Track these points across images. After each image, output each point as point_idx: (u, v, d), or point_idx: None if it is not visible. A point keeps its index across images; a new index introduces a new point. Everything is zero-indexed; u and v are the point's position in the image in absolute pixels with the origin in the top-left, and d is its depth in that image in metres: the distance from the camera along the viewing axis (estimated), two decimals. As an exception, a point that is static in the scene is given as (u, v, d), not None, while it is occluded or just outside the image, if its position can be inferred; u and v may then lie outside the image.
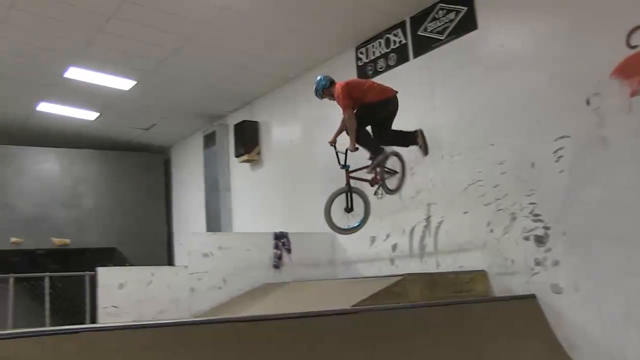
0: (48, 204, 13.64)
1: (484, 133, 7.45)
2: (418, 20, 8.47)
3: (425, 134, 7.49)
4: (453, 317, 6.01)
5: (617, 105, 6.00)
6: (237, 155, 12.06)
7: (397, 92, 7.22)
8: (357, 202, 7.21)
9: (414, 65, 8.52)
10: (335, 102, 7.20)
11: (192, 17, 8.46)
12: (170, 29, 8.77)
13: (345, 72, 9.54)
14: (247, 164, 12.07)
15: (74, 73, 10.38)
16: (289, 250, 9.15)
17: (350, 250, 9.27)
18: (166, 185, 15.58)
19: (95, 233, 13.95)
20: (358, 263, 9.10)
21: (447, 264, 7.67)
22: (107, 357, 3.26)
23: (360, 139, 6.97)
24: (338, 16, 8.59)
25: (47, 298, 10.26)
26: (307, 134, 10.64)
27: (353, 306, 5.96)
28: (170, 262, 14.50)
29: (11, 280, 10.29)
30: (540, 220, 6.68)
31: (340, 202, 7.24)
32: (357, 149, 6.95)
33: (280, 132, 11.43)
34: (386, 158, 7.20)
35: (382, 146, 7.23)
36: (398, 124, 7.96)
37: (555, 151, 6.52)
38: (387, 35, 8.96)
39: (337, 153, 7.21)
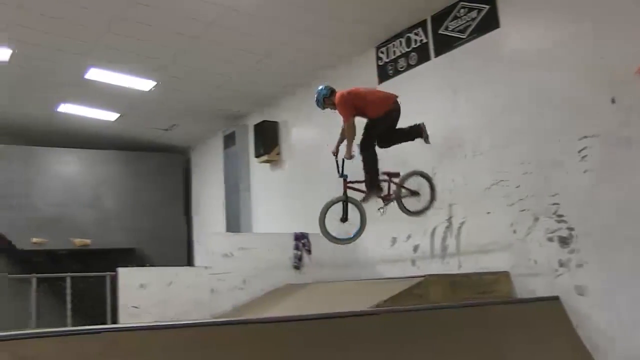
0: (69, 205, 13.71)
1: (506, 132, 7.36)
2: (439, 19, 8.40)
3: (447, 134, 7.42)
4: (475, 319, 5.94)
5: (643, 103, 5.91)
6: (257, 156, 12.05)
7: (397, 96, 7.00)
8: (354, 212, 7.01)
9: (435, 64, 8.45)
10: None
11: (210, 18, 8.46)
12: (188, 30, 8.78)
13: (365, 72, 9.52)
14: (267, 164, 12.05)
15: (95, 74, 10.43)
16: (309, 251, 9.12)
17: (371, 251, 9.21)
18: (186, 186, 15.62)
19: (115, 233, 13.99)
20: (379, 264, 9.04)
21: (469, 265, 7.58)
22: (129, 358, 3.24)
23: (368, 163, 6.84)
24: (358, 15, 8.54)
25: (68, 298, 10.32)
26: (326, 134, 10.54)
27: (374, 307, 5.91)
28: (190, 262, 14.54)
29: (34, 280, 10.37)
30: (564, 221, 6.58)
31: (337, 211, 7.04)
32: (353, 156, 6.76)
33: (300, 132, 11.40)
34: (376, 197, 6.95)
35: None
36: (420, 120, 7.93)
37: (580, 151, 6.42)
38: (408, 35, 8.89)
39: (337, 162, 6.98)
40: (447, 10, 8.26)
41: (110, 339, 3.32)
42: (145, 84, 10.97)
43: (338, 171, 6.91)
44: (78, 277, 10.73)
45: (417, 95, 8.65)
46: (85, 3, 7.97)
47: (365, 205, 6.93)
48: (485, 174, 7.55)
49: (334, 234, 6.84)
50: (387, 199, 7.00)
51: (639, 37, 5.98)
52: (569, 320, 6.33)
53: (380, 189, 6.94)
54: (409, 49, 8.87)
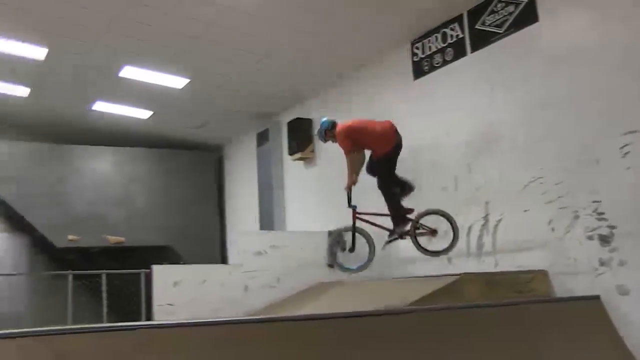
0: (103, 203, 13.87)
1: (545, 128, 7.20)
2: (476, 13, 8.26)
3: (483, 130, 7.27)
4: (512, 318, 5.82)
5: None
6: (291, 153, 12.02)
7: (393, 124, 6.92)
8: (361, 242, 6.85)
9: (472, 59, 8.31)
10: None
11: (243, 12, 8.42)
12: (222, 26, 8.77)
13: (400, 68, 9.43)
14: (301, 162, 12.01)
15: (129, 72, 10.51)
16: (343, 249, 9.03)
17: (405, 248, 9.08)
18: (219, 184, 15.67)
19: (148, 231, 14.10)
20: (413, 262, 8.92)
21: (506, 264, 7.44)
22: (163, 354, 3.22)
23: (392, 201, 6.79)
24: (393, 11, 8.44)
25: (104, 295, 10.43)
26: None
27: (408, 306, 5.83)
28: (223, 260, 14.57)
29: (70, 277, 10.50)
30: (605, 219, 6.42)
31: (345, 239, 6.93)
32: (354, 183, 6.79)
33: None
34: (405, 232, 6.83)
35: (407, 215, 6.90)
36: (455, 119, 7.82)
37: (622, 147, 6.25)
38: (444, 30, 8.77)
39: (347, 193, 6.92)
40: (484, 4, 8.12)
41: (145, 336, 3.31)
42: (178, 82, 11.02)
43: (348, 201, 6.87)
44: (113, 275, 10.84)
45: (453, 91, 8.56)
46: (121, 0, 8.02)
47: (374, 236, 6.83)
48: (523, 171, 7.40)
49: (340, 261, 6.76)
50: (401, 235, 6.86)
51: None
52: (609, 320, 6.17)
53: (406, 222, 6.80)
54: (444, 45, 8.75)
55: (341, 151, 10.83)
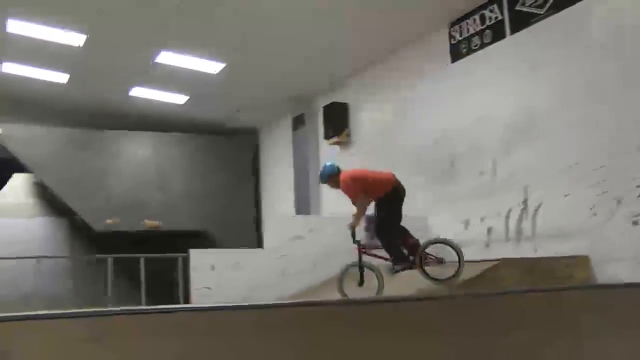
0: (140, 187, 14.03)
1: (588, 111, 7.03)
2: (515, -6, 8.09)
3: (523, 113, 7.15)
4: (552, 305, 5.71)
5: None
6: (327, 137, 11.99)
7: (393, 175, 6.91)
8: (370, 276, 6.70)
9: (511, 42, 8.15)
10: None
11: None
12: (256, 10, 8.74)
13: (437, 51, 9.30)
14: (337, 146, 11.96)
15: (165, 57, 10.57)
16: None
17: (443, 234, 9.00)
18: (255, 168, 15.70)
19: (185, 216, 14.22)
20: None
21: (545, 249, 7.31)
22: (201, 336, 3.24)
23: (388, 245, 6.69)
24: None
25: (142, 278, 10.55)
26: (397, 114, 10.42)
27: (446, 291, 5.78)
28: (259, 244, 14.59)
29: (109, 261, 10.64)
30: (649, 204, 6.26)
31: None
32: (358, 224, 6.79)
33: (370, 113, 11.25)
34: (407, 268, 6.65)
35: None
36: (493, 102, 7.68)
37: (667, 131, 6.09)
38: (482, 12, 8.61)
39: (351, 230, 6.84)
40: (524, -15, 7.95)
41: (184, 318, 3.33)
42: (214, 67, 11.04)
43: (352, 238, 6.83)
44: (150, 258, 10.96)
45: (491, 74, 8.42)
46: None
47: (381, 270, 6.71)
48: (564, 155, 7.25)
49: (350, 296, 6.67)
50: (408, 265, 6.69)
51: None
52: (655, 308, 6.02)
53: (408, 260, 6.67)
54: (483, 27, 8.59)
55: (378, 136, 10.84)
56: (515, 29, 8.08)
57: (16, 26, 9.36)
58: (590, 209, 6.85)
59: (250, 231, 14.99)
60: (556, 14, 7.47)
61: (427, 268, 6.54)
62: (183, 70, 11.09)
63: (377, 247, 6.82)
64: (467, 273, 6.22)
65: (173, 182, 14.48)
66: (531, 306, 5.59)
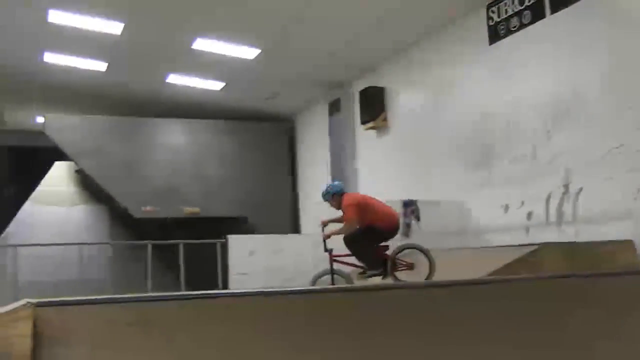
0: (178, 174, 14.16)
1: (631, 94, 6.87)
2: (556, -28, 7.91)
3: (563, 95, 7.03)
4: (595, 291, 5.61)
5: None
6: (363, 122, 11.93)
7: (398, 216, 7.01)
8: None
9: (551, 22, 7.96)
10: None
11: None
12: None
13: (475, 34, 9.17)
14: (373, 131, 11.90)
15: (201, 44, 10.61)
16: (418, 218, 8.96)
17: (481, 218, 8.95)
18: (291, 154, 15.73)
19: (222, 202, 14.31)
20: (490, 232, 8.77)
21: (587, 234, 7.18)
22: (242, 321, 3.27)
23: (358, 254, 6.70)
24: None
25: (182, 264, 10.69)
26: (435, 98, 10.33)
27: (486, 276, 5.71)
28: (296, 230, 14.67)
29: (149, 247, 10.81)
30: (696, 187, 6.11)
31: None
32: (329, 237, 6.78)
33: (407, 98, 11.16)
34: (379, 275, 6.69)
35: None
36: (532, 84, 7.57)
37: None
38: (521, -8, 8.46)
39: (323, 238, 6.88)
40: (565, -38, 7.76)
41: (225, 304, 3.36)
42: (249, 52, 11.05)
43: (324, 247, 6.83)
44: (189, 244, 11.09)
45: (530, 55, 8.28)
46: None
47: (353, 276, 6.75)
48: (606, 138, 7.10)
49: None
50: (379, 272, 6.70)
51: None
52: None
53: (380, 267, 6.67)
54: (522, 7, 8.42)
55: (415, 120, 10.75)
56: (555, 9, 7.90)
57: (57, 16, 9.49)
58: (635, 192, 6.70)
59: (288, 217, 15.05)
60: (598, -8, 7.30)
61: (398, 274, 6.59)
62: (219, 56, 11.13)
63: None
64: (507, 257, 6.15)
65: (210, 168, 14.58)
66: (573, 291, 5.52)
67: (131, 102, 14.03)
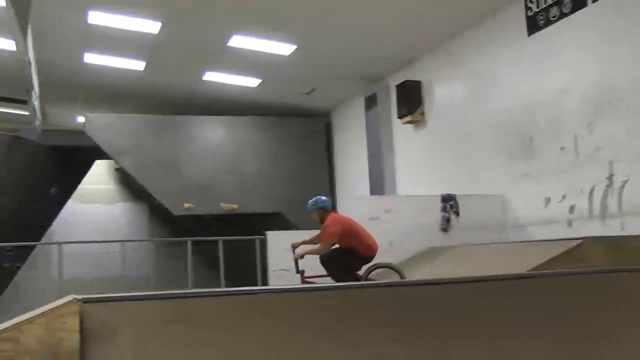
0: (215, 171, 14.25)
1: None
2: (597, -41, 7.72)
3: (606, 86, 6.90)
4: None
5: None
6: (400, 116, 11.83)
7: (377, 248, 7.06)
8: None
9: (593, 10, 7.76)
10: None
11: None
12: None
13: (512, 25, 9.03)
14: (410, 125, 11.81)
15: (237, 41, 10.66)
16: (457, 213, 8.88)
17: (522, 212, 8.82)
18: (328, 149, 15.70)
19: (259, 198, 14.37)
20: (531, 226, 8.64)
21: (633, 227, 7.01)
22: (282, 317, 3.27)
23: (333, 271, 6.94)
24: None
25: (221, 261, 10.76)
26: (473, 91, 10.21)
27: (530, 270, 5.62)
28: (334, 226, 14.61)
29: (189, 243, 10.91)
30: None
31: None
32: (302, 257, 7.09)
33: (444, 91, 11.05)
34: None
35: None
36: (573, 75, 7.43)
37: None
38: (561, -19, 8.29)
39: (295, 259, 7.24)
40: (606, -51, 7.57)
41: (265, 299, 3.36)
42: (285, 48, 11.07)
43: (295, 267, 7.19)
44: (228, 241, 11.15)
45: (571, 45, 8.11)
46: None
47: None
48: (652, 128, 6.93)
49: None
50: None
51: None
52: None
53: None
54: (562, -4, 8.27)
55: (453, 113, 10.64)
56: (597, -3, 7.75)
57: (96, 17, 9.63)
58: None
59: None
60: (642, -21, 7.12)
61: None
62: (255, 53, 11.17)
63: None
64: (550, 252, 6.04)
65: (247, 164, 14.64)
66: (619, 286, 5.39)
67: (169, 100, 14.18)
